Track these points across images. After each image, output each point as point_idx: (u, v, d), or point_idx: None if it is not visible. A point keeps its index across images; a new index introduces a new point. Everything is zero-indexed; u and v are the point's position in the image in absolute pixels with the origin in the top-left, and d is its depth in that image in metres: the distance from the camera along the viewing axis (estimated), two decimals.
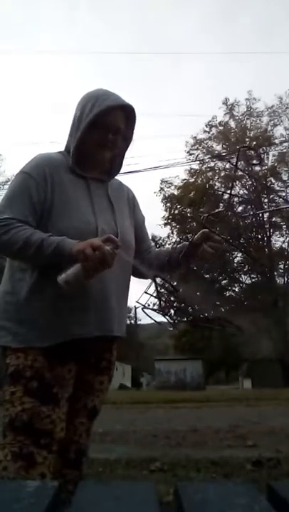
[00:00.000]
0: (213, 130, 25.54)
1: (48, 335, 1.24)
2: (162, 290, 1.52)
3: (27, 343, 1.24)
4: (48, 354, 1.24)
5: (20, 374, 1.22)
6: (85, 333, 1.28)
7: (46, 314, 1.25)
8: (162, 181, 24.65)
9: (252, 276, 25.75)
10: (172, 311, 1.52)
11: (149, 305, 1.47)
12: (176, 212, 24.57)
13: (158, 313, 1.48)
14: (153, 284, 1.51)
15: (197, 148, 25.25)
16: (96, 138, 1.37)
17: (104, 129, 1.36)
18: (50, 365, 1.23)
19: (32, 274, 1.28)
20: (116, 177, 1.55)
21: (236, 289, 26.67)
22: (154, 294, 1.49)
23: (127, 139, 1.46)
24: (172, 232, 24.35)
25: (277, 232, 25.04)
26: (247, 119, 25.53)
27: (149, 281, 1.52)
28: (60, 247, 1.19)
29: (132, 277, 1.51)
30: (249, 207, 23.26)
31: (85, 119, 1.35)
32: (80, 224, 1.29)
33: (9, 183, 1.53)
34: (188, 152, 24.95)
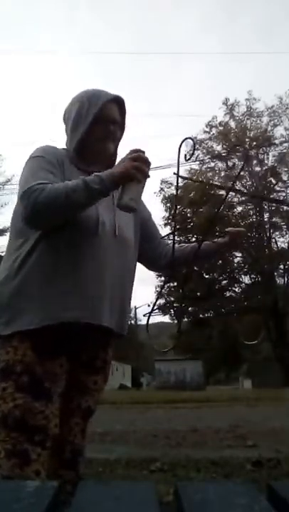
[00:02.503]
0: (213, 130, 25.56)
1: (35, 318, 1.23)
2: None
3: (15, 328, 1.23)
4: (38, 348, 1.23)
5: (11, 369, 1.21)
6: (72, 317, 1.25)
7: (34, 299, 1.25)
8: (162, 181, 24.66)
9: (252, 276, 25.74)
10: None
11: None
12: (176, 212, 24.56)
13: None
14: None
15: (197, 149, 25.25)
16: (100, 132, 1.43)
17: (104, 123, 1.43)
18: (40, 360, 1.22)
19: (19, 260, 1.28)
20: None
21: (236, 289, 26.67)
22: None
23: (122, 129, 1.52)
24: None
25: (277, 232, 25.06)
26: (247, 119, 25.53)
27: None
28: (106, 177, 1.24)
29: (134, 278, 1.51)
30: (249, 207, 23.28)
31: (86, 118, 1.40)
32: (82, 214, 1.30)
33: (9, 183, 1.53)
34: (188, 152, 24.89)
